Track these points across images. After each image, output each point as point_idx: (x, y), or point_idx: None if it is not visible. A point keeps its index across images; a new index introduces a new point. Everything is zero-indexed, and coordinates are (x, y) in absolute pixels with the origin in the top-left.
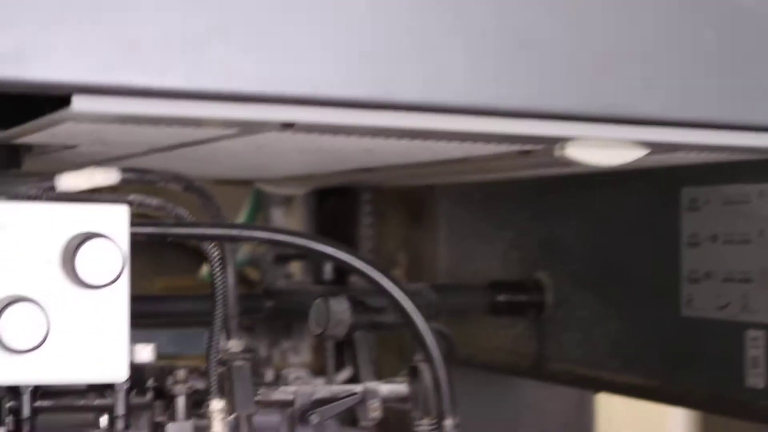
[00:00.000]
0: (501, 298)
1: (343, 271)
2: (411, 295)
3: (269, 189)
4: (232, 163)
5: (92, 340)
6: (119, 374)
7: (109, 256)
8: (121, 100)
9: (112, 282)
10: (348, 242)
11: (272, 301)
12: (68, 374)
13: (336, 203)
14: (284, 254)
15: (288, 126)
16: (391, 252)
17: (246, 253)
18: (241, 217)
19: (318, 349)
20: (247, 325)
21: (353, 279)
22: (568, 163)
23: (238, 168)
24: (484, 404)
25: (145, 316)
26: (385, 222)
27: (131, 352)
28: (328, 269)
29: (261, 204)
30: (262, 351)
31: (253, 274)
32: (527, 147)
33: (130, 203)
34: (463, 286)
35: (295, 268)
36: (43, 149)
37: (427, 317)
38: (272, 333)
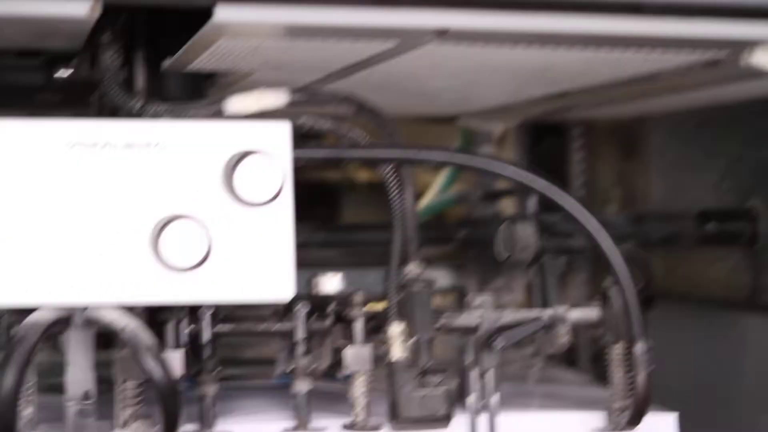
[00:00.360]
0: (711, 227)
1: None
2: (602, 221)
3: (474, 125)
4: (414, 92)
5: (256, 259)
6: (284, 293)
7: (269, 173)
8: (263, 7)
9: (272, 199)
10: (560, 180)
11: (463, 231)
12: (231, 293)
13: (547, 142)
14: (492, 191)
15: (442, 33)
16: (604, 187)
17: (454, 192)
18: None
19: (530, 287)
20: (457, 263)
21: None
22: (757, 74)
23: (425, 99)
24: (700, 340)
25: (326, 245)
26: (597, 158)
27: (319, 283)
28: (531, 203)
29: (470, 144)
30: (472, 288)
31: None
32: (710, 55)
33: (302, 126)
34: (672, 216)
35: (505, 205)
36: (222, 79)
37: (619, 243)
38: (482, 271)
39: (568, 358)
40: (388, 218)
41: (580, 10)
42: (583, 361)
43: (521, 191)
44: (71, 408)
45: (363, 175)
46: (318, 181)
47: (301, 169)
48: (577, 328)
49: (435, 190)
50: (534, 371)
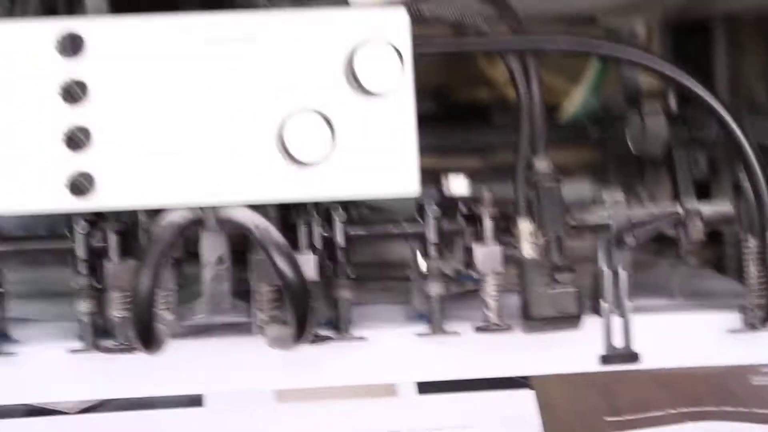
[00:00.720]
0: None
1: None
2: (734, 110)
3: (616, 23)
4: None
5: (380, 152)
6: (410, 187)
7: (389, 61)
8: None
9: (393, 88)
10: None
11: (600, 129)
12: (357, 189)
13: (691, 43)
14: (634, 92)
15: None
16: (749, 85)
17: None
18: (591, 66)
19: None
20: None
21: None
22: None
23: None
24: None
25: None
26: (742, 55)
27: (447, 184)
28: (671, 103)
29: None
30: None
31: None
32: None
33: (424, 17)
34: None
35: None
36: None
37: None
38: (624, 177)
39: (705, 256)
40: None
41: None
42: (720, 260)
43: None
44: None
45: (512, 93)
46: (469, 100)
47: (451, 88)
48: (711, 224)
49: (579, 95)
50: (668, 271)
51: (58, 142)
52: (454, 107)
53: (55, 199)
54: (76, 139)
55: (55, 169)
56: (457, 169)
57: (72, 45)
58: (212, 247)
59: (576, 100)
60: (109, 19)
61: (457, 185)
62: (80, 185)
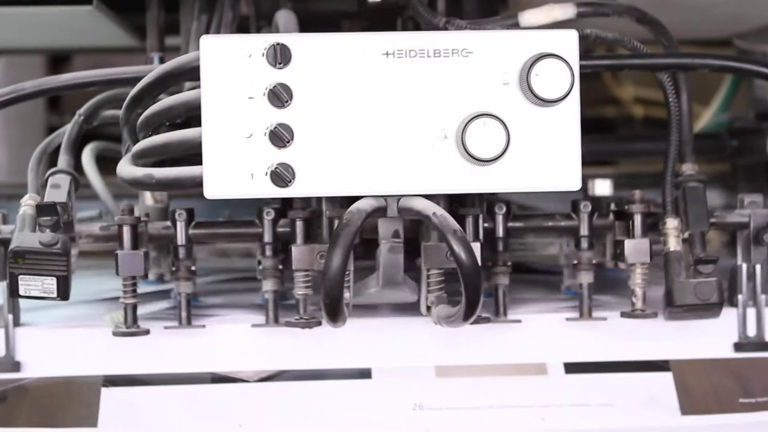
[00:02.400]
0: None
1: None
2: None
3: (749, 46)
4: (689, 6)
5: (547, 153)
6: (573, 183)
7: (560, 73)
8: None
9: (563, 98)
10: None
11: (736, 140)
12: (526, 183)
13: None
14: (765, 111)
15: None
16: None
17: (727, 115)
18: (723, 88)
19: None
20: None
21: None
22: None
23: (699, 16)
24: None
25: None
26: None
27: (591, 186)
28: None
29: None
30: None
31: None
32: None
33: (588, 36)
34: None
35: None
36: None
37: None
38: (753, 185)
39: None
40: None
41: None
42: None
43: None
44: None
45: (638, 111)
46: (595, 117)
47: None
48: None
49: (711, 111)
50: None
51: (263, 138)
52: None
53: (259, 187)
54: (281, 136)
55: (261, 161)
56: (588, 176)
57: (282, 56)
58: (389, 228)
59: (705, 117)
60: (312, 35)
61: (602, 187)
62: (282, 175)
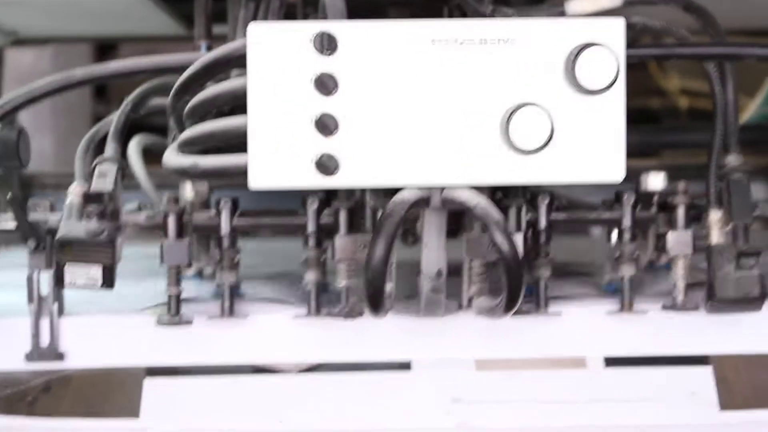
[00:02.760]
0: None
1: None
2: None
3: None
4: None
5: (591, 143)
6: (617, 175)
7: (606, 62)
8: None
9: (609, 87)
10: None
11: None
12: (570, 175)
13: None
14: None
15: None
16: None
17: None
18: None
19: None
20: None
21: None
22: None
23: (747, 4)
24: None
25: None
26: None
27: (645, 180)
28: None
29: None
30: None
31: None
32: None
33: (634, 25)
34: None
35: None
36: None
37: None
38: None
39: None
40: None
41: None
42: None
43: None
44: (425, 284)
45: (684, 102)
46: (640, 107)
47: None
48: None
49: (756, 103)
50: None
51: (309, 127)
52: (627, 113)
53: (304, 177)
54: (326, 125)
55: (306, 150)
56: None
57: (328, 43)
58: (433, 227)
59: (750, 108)
60: (359, 22)
61: (656, 181)
62: (327, 165)
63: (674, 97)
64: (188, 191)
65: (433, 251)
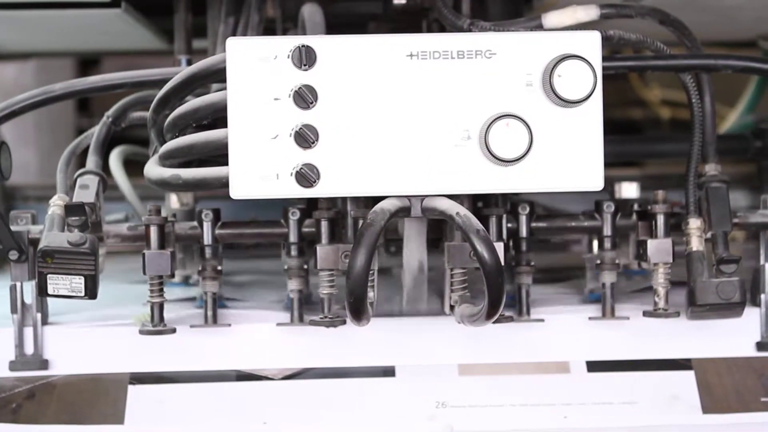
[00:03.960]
0: None
1: None
2: None
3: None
4: (713, 10)
5: (570, 153)
6: (596, 183)
7: (583, 74)
8: None
9: (586, 98)
10: None
11: (760, 141)
12: (549, 184)
13: None
14: None
15: None
16: None
17: (753, 117)
18: (749, 90)
19: None
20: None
21: None
22: None
23: (724, 18)
24: None
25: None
26: None
27: (619, 189)
28: None
29: None
30: None
31: None
32: None
33: (611, 38)
34: None
35: None
36: (536, 2)
37: None
38: None
39: None
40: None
41: None
42: None
43: None
44: (407, 279)
45: (665, 113)
46: (622, 118)
47: (606, 108)
48: None
49: (736, 113)
50: None
51: (289, 139)
52: (609, 124)
53: (284, 188)
54: (306, 137)
55: (287, 161)
56: (613, 177)
57: (307, 58)
58: (414, 232)
59: (731, 118)
60: (338, 37)
61: (629, 190)
62: (307, 176)
63: (655, 108)
64: (173, 202)
65: (414, 247)
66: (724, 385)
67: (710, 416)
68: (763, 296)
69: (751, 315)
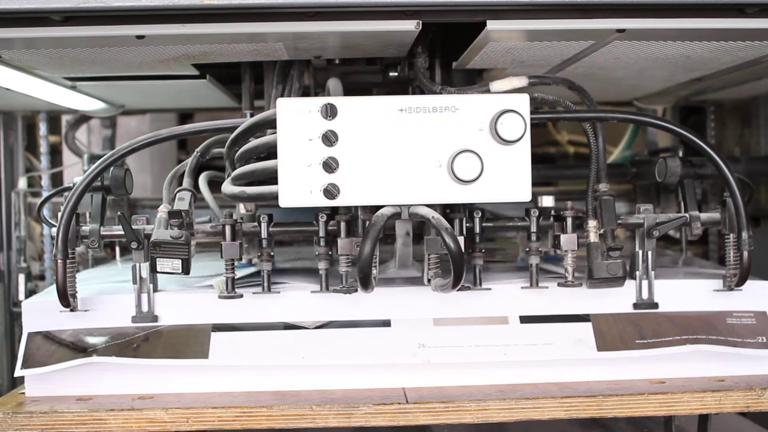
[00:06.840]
0: None
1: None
2: (725, 160)
3: (642, 106)
4: (604, 80)
5: (508, 176)
6: (525, 196)
7: (517, 123)
8: (514, 19)
9: (519, 139)
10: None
11: (635, 168)
12: (494, 196)
13: (691, 119)
14: (655, 149)
15: (621, 31)
16: (729, 149)
17: (630, 152)
18: (627, 134)
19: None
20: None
21: None
22: None
23: (610, 86)
24: None
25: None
26: (724, 128)
27: (541, 200)
28: (679, 147)
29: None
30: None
31: None
32: None
33: (536, 98)
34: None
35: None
36: (487, 73)
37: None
38: (646, 200)
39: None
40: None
41: (703, 11)
42: (705, 253)
43: (674, 145)
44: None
45: (571, 149)
46: (542, 153)
47: (532, 146)
48: (706, 225)
49: (618, 150)
50: (675, 256)
51: (319, 167)
52: (534, 156)
53: (316, 200)
54: (330, 165)
55: (317, 182)
56: (537, 192)
57: (331, 111)
58: (403, 227)
59: (616, 153)
60: (352, 98)
61: (548, 201)
62: (331, 192)
63: (565, 146)
64: (242, 209)
65: (403, 231)
66: (611, 332)
67: (602, 353)
68: (637, 272)
69: (630, 285)
